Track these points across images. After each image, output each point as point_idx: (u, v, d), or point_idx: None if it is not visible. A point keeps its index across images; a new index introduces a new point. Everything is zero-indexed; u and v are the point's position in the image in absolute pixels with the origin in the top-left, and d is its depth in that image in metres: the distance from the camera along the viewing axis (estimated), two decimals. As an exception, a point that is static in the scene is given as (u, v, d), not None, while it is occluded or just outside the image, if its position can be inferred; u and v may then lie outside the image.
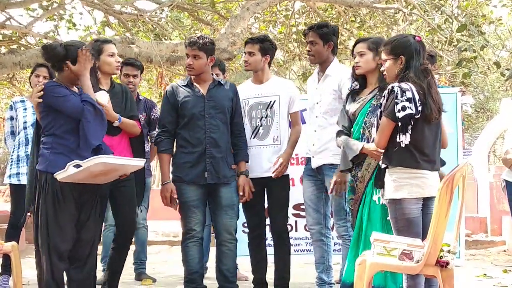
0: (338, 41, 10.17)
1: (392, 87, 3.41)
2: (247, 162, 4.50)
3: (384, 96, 3.46)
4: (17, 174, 5.17)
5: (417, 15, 8.90)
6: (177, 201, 4.28)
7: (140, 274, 5.70)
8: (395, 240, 3.29)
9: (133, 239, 5.63)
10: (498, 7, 9.70)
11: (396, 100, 3.36)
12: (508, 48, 11.96)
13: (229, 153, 4.42)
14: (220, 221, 4.35)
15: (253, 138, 4.60)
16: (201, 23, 10.51)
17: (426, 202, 3.49)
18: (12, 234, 5.05)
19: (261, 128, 4.59)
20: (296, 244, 5.55)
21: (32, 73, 5.36)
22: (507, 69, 8.28)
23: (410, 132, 3.40)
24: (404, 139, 3.40)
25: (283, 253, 4.64)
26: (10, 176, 5.21)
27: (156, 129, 4.48)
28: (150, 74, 11.55)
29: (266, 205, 4.71)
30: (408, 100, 3.34)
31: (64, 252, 3.81)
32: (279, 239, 4.65)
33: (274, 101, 4.60)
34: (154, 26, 9.57)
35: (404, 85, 3.39)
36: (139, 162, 4.03)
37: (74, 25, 10.19)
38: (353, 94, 4.10)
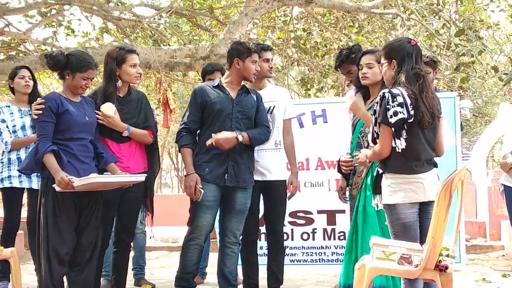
0: (337, 47, 10.24)
1: (383, 93, 3.40)
2: None
3: (377, 103, 3.45)
4: (9, 177, 5.12)
5: (415, 20, 8.91)
6: (202, 191, 4.20)
7: (139, 280, 5.69)
8: (394, 245, 3.29)
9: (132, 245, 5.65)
10: (495, 12, 9.73)
11: (387, 106, 3.34)
12: (506, 53, 11.97)
13: (252, 159, 4.44)
14: (229, 224, 4.35)
15: None
16: (200, 29, 10.53)
17: (426, 206, 3.46)
18: (8, 239, 5.03)
19: None
20: (292, 254, 5.35)
21: (13, 77, 5.27)
22: (505, 74, 8.28)
23: (405, 137, 3.38)
24: (400, 144, 3.38)
25: (279, 256, 4.68)
26: (2, 180, 5.16)
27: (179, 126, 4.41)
28: (149, 80, 11.56)
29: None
30: (400, 105, 3.32)
31: (64, 256, 3.82)
32: (275, 243, 4.68)
33: (274, 106, 4.67)
34: (153, 32, 9.59)
35: (394, 90, 3.37)
36: (138, 178, 4.06)
37: (73, 31, 10.20)
38: None
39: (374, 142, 3.55)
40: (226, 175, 4.26)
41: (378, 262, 3.24)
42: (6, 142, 5.12)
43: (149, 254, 7.03)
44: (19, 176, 5.12)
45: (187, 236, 4.30)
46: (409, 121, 3.35)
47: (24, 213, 5.46)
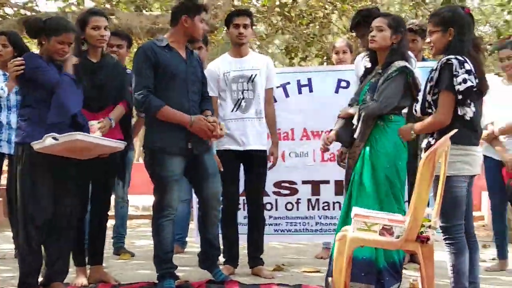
0: (322, 15, 10.11)
1: (448, 59, 3.30)
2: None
3: (436, 70, 3.35)
4: None
5: (401, -11, 8.83)
6: (220, 123, 3.98)
7: (118, 249, 5.65)
8: (376, 216, 3.26)
9: (114, 213, 5.61)
10: (482, -18, 9.65)
11: (455, 73, 3.25)
12: (492, 24, 11.92)
13: None
14: (208, 190, 4.10)
15: (235, 110, 4.56)
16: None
17: (470, 180, 3.46)
18: None
19: (243, 101, 4.55)
20: (276, 224, 5.28)
21: None
22: (490, 45, 8.26)
23: (473, 106, 3.31)
24: (469, 112, 3.31)
25: (259, 226, 4.67)
26: None
27: (136, 94, 3.95)
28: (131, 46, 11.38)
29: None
30: (467, 72, 3.25)
31: (41, 223, 3.76)
32: (256, 213, 4.66)
33: (256, 74, 4.58)
34: (135, -3, 9.40)
35: (460, 58, 3.29)
36: (119, 144, 3.96)
37: (53, -5, 9.98)
38: (367, 74, 4.03)
39: (423, 112, 3.44)
40: (190, 143, 3.99)
41: (359, 233, 3.21)
42: (1, 87, 4.98)
43: (129, 222, 6.98)
44: (8, 140, 5.04)
45: (157, 214, 4.01)
46: (474, 90, 3.29)
47: (3, 180, 5.38)
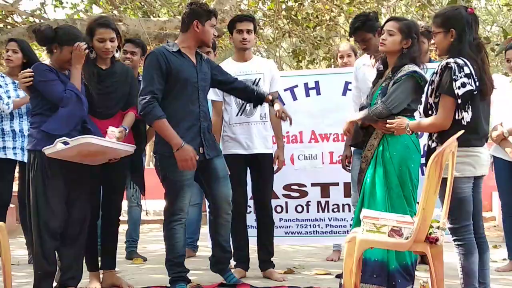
0: (329, 18, 10.13)
1: (447, 63, 3.32)
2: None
3: (436, 73, 3.37)
4: (4, 148, 5.11)
5: (407, -9, 8.84)
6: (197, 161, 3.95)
7: (131, 253, 5.69)
8: (385, 217, 3.28)
9: (126, 218, 5.65)
10: (488, -18, 9.65)
11: (454, 77, 3.27)
12: (499, 23, 11.91)
13: (211, 125, 4.29)
14: (219, 193, 4.15)
15: (240, 115, 4.61)
16: (189, 0, 10.40)
17: (477, 181, 3.47)
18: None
19: (247, 105, 4.58)
20: (287, 226, 5.33)
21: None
22: (497, 44, 8.25)
23: (470, 109, 3.32)
24: (466, 116, 3.32)
25: (268, 229, 4.70)
26: None
27: (140, 97, 3.91)
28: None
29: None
30: (467, 76, 3.26)
31: (55, 229, 3.81)
32: (264, 216, 4.68)
33: (259, 78, 4.62)
34: (142, 3, 9.48)
35: (459, 61, 3.30)
36: (129, 148, 4.00)
37: (61, 3, 10.07)
38: (378, 77, 4.03)
39: (426, 114, 3.48)
40: (201, 148, 4.04)
41: (368, 234, 3.23)
42: (8, 103, 5.06)
43: (141, 227, 7.03)
44: (13, 148, 5.10)
45: (169, 218, 4.03)
46: (474, 93, 3.30)
47: (15, 186, 5.43)
